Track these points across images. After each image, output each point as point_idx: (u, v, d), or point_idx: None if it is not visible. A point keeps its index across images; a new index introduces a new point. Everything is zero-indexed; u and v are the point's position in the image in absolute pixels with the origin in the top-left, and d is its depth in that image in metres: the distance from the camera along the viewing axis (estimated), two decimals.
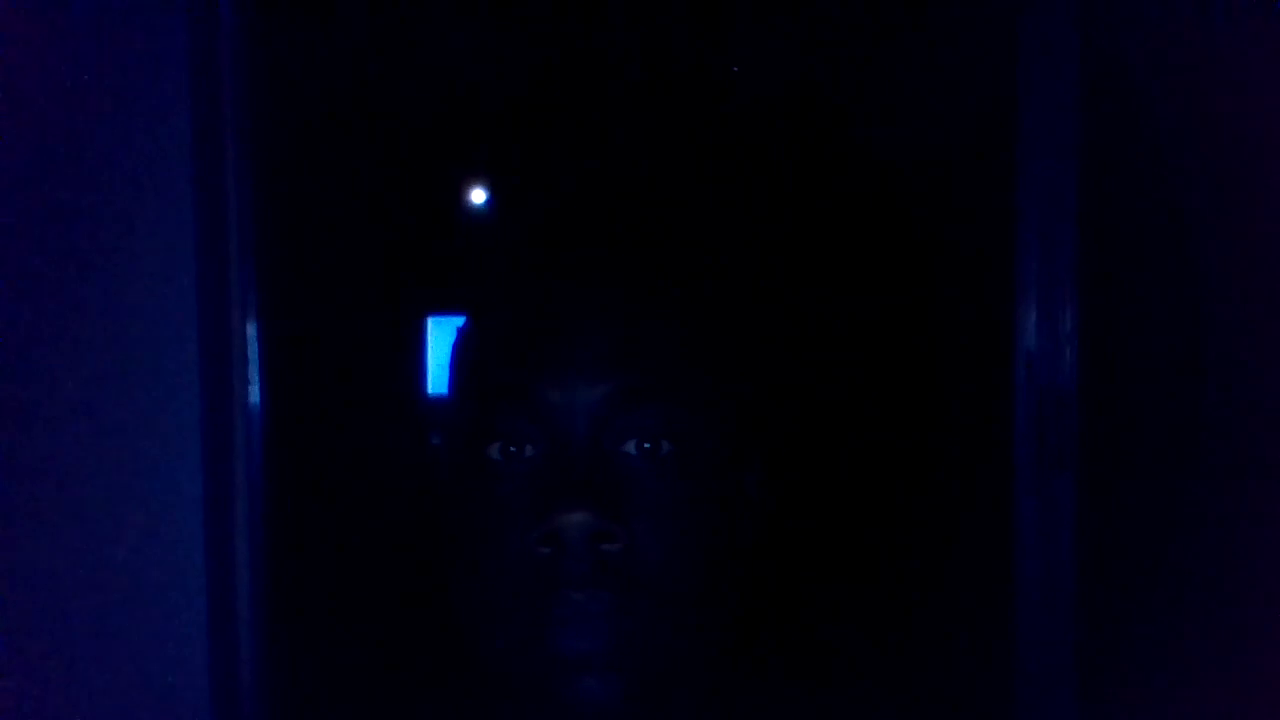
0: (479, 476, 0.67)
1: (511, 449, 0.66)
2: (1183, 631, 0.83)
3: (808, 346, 0.99)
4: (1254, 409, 0.74)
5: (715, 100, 0.96)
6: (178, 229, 0.67)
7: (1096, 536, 0.91)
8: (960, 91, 0.82)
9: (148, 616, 0.65)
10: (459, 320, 0.78)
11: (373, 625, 0.85)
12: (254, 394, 0.71)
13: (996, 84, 0.75)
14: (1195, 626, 0.81)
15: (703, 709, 0.71)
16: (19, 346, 0.66)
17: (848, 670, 0.97)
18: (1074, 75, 0.74)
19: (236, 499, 0.70)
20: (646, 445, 0.66)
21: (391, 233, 0.85)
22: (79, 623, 0.66)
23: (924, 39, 0.81)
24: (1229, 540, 0.77)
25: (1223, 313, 0.76)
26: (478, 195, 0.90)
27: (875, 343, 0.98)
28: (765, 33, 0.90)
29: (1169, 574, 0.85)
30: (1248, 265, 0.72)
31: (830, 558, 1.03)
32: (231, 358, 0.70)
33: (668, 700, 0.69)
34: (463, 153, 0.93)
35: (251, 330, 0.72)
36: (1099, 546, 0.91)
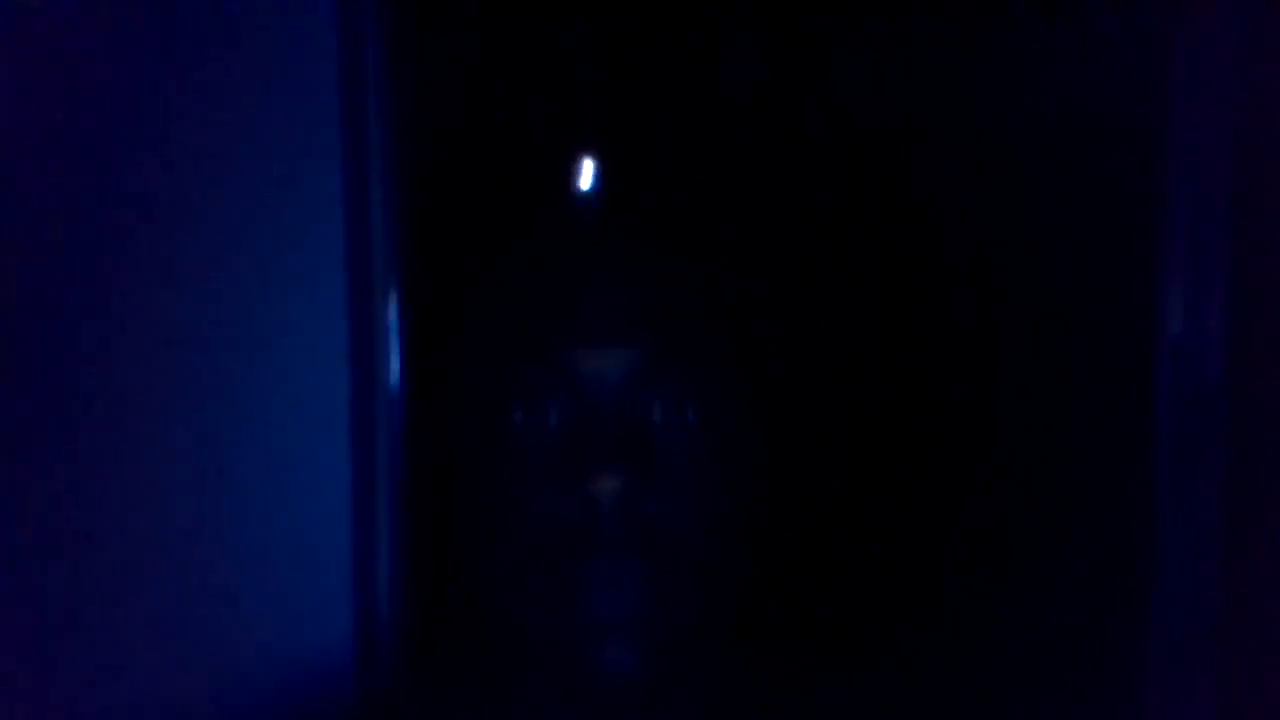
0: (502, 441, 0.68)
1: (535, 415, 0.67)
2: None
3: (924, 331, 0.97)
4: None
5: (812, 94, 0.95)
6: (327, 213, 0.69)
7: (1245, 544, 0.87)
8: (1106, 64, 0.80)
9: (295, 587, 0.67)
10: None
11: (512, 611, 0.85)
12: (393, 372, 0.74)
13: (1145, 58, 0.73)
14: None
15: (729, 673, 0.71)
16: (176, 331, 0.69)
17: (940, 669, 0.95)
18: (1231, 45, 0.72)
19: (379, 477, 0.72)
20: (672, 412, 0.66)
21: (527, 214, 0.86)
22: (226, 593, 0.68)
23: (1070, 14, 0.79)
24: None
25: None
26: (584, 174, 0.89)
27: (1005, 329, 0.95)
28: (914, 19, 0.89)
29: None
30: None
31: (940, 549, 1.00)
32: (374, 337, 0.73)
33: (696, 662, 0.68)
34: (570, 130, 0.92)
35: (392, 310, 0.74)
36: (1247, 555, 0.87)
